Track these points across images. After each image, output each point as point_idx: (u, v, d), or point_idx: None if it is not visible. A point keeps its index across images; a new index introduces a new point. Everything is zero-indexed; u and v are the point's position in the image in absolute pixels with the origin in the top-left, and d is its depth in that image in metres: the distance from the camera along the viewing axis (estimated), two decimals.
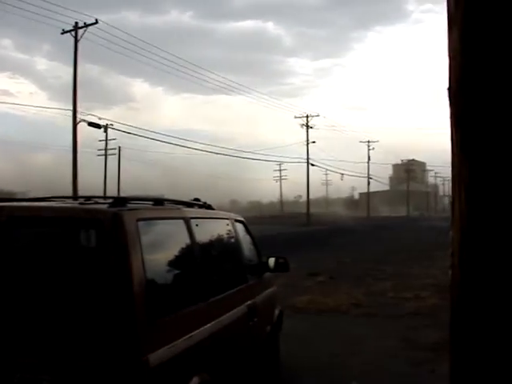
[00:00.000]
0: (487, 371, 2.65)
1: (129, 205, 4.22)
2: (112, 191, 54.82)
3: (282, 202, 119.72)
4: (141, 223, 3.97)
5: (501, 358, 2.63)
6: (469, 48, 2.65)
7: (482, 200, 2.64)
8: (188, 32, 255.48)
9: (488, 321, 2.65)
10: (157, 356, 3.68)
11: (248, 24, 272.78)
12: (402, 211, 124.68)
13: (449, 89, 2.79)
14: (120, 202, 4.17)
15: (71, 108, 38.32)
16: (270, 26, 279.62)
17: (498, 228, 2.63)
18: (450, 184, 2.91)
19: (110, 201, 4.26)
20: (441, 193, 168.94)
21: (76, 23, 38.39)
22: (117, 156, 64.61)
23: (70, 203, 4.90)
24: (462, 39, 2.67)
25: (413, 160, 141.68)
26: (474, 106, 2.65)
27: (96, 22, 38.75)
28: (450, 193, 2.94)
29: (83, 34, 38.29)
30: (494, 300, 2.63)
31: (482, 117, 2.64)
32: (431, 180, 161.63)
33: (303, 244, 32.02)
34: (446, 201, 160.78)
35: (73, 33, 38.20)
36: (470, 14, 2.66)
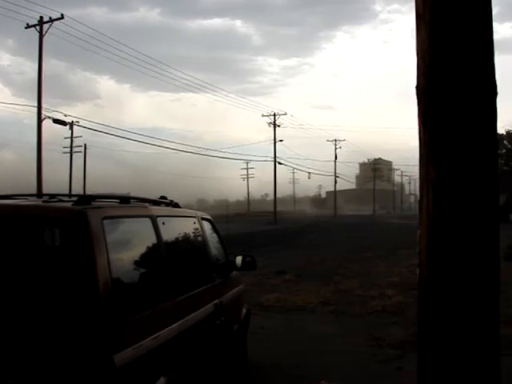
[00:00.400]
0: (454, 366, 2.67)
1: (94, 203, 4.15)
2: (78, 189, 54.13)
3: (249, 201, 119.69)
4: (106, 221, 3.90)
5: (466, 354, 2.65)
6: (437, 48, 2.67)
7: (449, 199, 2.66)
8: (155, 29, 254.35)
9: (454, 317, 2.67)
10: (122, 357, 3.62)
11: (216, 22, 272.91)
12: (368, 210, 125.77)
13: (417, 87, 2.81)
14: (85, 200, 4.10)
15: (36, 104, 37.73)
16: (239, 24, 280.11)
17: (464, 226, 2.65)
18: (416, 183, 2.93)
19: (75, 199, 4.19)
20: (407, 191, 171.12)
21: (41, 18, 37.77)
22: (83, 154, 63.83)
23: (33, 201, 4.79)
24: (430, 39, 2.69)
25: (379, 159, 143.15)
26: (441, 105, 2.67)
27: (62, 17, 38.19)
28: (416, 191, 2.96)
29: (48, 28, 37.70)
30: (460, 297, 2.65)
31: (449, 116, 2.65)
32: (397, 179, 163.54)
33: (270, 242, 32.06)
34: (412, 199, 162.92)
35: (37, 27, 37.57)
36: (438, 15, 2.67)
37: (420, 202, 2.79)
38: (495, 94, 2.72)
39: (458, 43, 2.62)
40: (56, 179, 53.80)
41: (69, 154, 61.82)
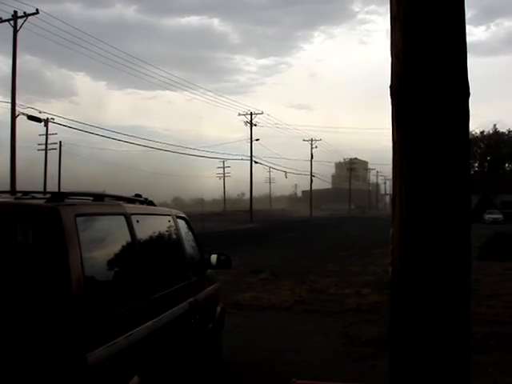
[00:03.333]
0: (425, 363, 2.70)
1: (67, 200, 4.11)
2: (54, 187, 53.56)
3: (225, 200, 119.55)
4: (79, 219, 3.86)
5: (437, 351, 2.67)
6: (410, 48, 2.69)
7: (422, 198, 2.68)
8: (132, 26, 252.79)
9: (425, 315, 2.70)
10: (95, 355, 3.59)
11: (194, 20, 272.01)
12: (344, 209, 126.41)
13: (391, 87, 2.83)
14: (58, 197, 4.06)
15: (9, 100, 37.23)
16: (216, 23, 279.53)
17: (436, 225, 2.67)
18: (391, 185, 2.94)
19: (48, 196, 4.14)
20: (382, 191, 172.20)
21: (15, 12, 37.24)
22: (58, 151, 63.21)
23: (6, 198, 4.72)
24: (404, 40, 2.71)
25: (355, 159, 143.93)
26: (414, 105, 2.69)
27: (37, 12, 37.70)
28: (391, 191, 2.97)
29: (23, 23, 37.19)
30: (432, 295, 2.68)
31: (422, 116, 2.67)
32: (373, 179, 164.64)
33: (246, 241, 32.07)
34: (387, 199, 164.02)
35: (12, 22, 37.06)
36: (412, 16, 2.69)
37: (393, 200, 2.81)
38: (468, 94, 2.75)
39: (432, 44, 2.64)
40: (32, 177, 53.19)
41: (44, 152, 61.24)
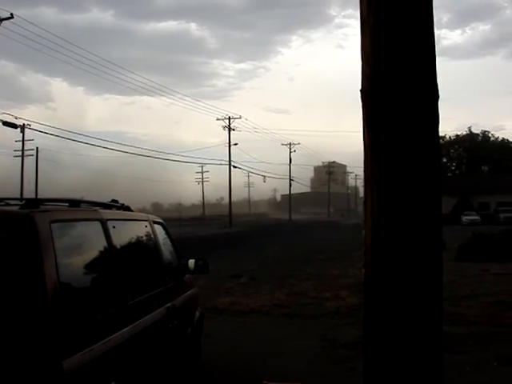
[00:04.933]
0: (398, 365, 2.72)
1: (42, 206, 4.08)
2: (31, 194, 53.05)
3: (204, 204, 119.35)
4: (54, 225, 3.84)
5: (410, 352, 2.70)
6: (380, 52, 2.72)
7: (393, 200, 2.71)
8: (109, 31, 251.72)
9: (398, 317, 2.72)
10: (71, 362, 3.57)
11: (171, 24, 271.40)
12: (323, 212, 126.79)
13: (361, 91, 2.86)
14: (33, 203, 4.04)
15: None
16: (194, 27, 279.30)
17: (407, 227, 2.70)
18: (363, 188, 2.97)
19: (23, 202, 4.11)
20: (361, 194, 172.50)
21: None
22: (34, 157, 62.65)
23: None
24: (373, 43, 2.74)
25: (333, 162, 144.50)
26: (384, 108, 2.72)
27: (11, 17, 37.36)
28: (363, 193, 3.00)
29: None
30: (404, 297, 2.71)
31: (392, 119, 2.70)
32: (352, 182, 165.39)
33: (224, 246, 32.04)
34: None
35: None
36: (381, 20, 2.73)
37: (365, 202, 2.84)
38: (437, 97, 2.79)
39: (401, 48, 2.68)
40: (8, 184, 52.61)
41: (21, 158, 60.65)
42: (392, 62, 2.68)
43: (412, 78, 2.68)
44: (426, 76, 2.72)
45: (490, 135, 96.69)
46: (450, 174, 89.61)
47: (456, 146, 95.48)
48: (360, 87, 2.84)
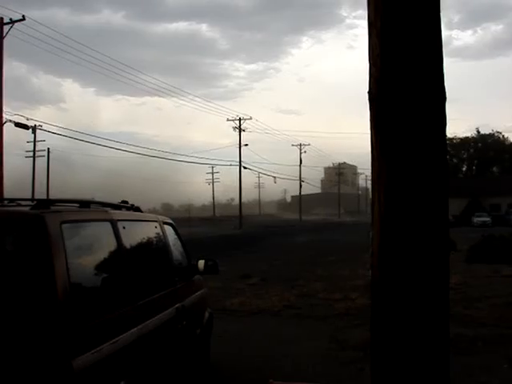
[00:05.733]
0: (405, 366, 2.73)
1: (53, 207, 4.12)
2: (42, 195, 53.29)
3: (214, 205, 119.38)
4: (65, 226, 3.88)
5: (417, 353, 2.71)
6: (387, 54, 2.73)
7: (400, 202, 2.72)
8: (120, 32, 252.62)
9: (405, 318, 2.73)
10: (81, 361, 3.61)
11: (182, 25, 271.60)
12: (333, 214, 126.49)
13: (369, 93, 2.87)
14: (43, 204, 4.07)
15: None
16: (204, 28, 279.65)
17: (415, 229, 2.71)
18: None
19: (34, 203, 4.15)
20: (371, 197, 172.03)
21: (1, 19, 37.06)
22: (46, 158, 62.99)
23: None
24: (381, 45, 2.75)
25: (344, 163, 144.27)
26: (391, 110, 2.73)
27: (23, 19, 37.52)
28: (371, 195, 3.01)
29: (9, 30, 36.96)
30: (411, 298, 2.71)
31: (400, 121, 2.71)
32: (362, 183, 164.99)
33: (234, 247, 32.06)
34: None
35: None
36: (388, 22, 2.74)
37: (372, 205, 2.85)
38: (444, 99, 2.80)
39: (408, 50, 2.69)
40: (20, 185, 52.91)
41: (32, 159, 61.00)
42: (399, 64, 2.69)
43: (419, 80, 2.69)
44: (433, 78, 2.73)
45: (500, 136, 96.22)
46: (461, 176, 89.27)
47: (467, 147, 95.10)
48: (368, 89, 2.86)
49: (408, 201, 2.70)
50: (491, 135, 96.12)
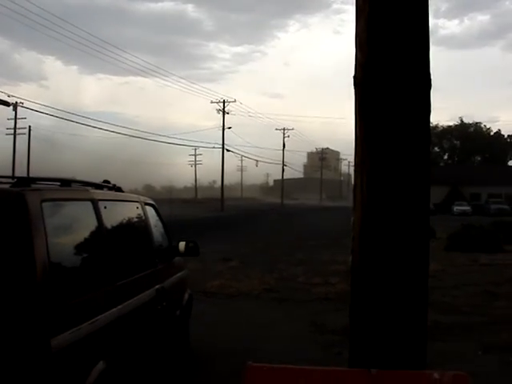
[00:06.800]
0: (381, 350, 2.76)
1: (33, 185, 4.08)
2: (23, 173, 52.75)
3: (196, 187, 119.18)
4: (45, 204, 3.84)
5: (394, 337, 2.73)
6: (374, 39, 2.73)
7: (382, 188, 2.74)
8: (104, 10, 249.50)
9: (384, 302, 2.76)
10: (60, 340, 3.60)
11: (167, 5, 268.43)
12: (315, 199, 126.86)
13: (354, 77, 2.87)
14: (24, 181, 4.03)
15: None
16: (190, 9, 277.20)
17: (396, 215, 2.73)
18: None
19: (14, 181, 4.11)
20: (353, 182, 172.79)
21: None
22: (27, 136, 62.33)
23: None
24: (368, 30, 2.74)
25: (327, 149, 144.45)
26: (376, 96, 2.74)
27: None
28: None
29: None
30: (389, 282, 2.74)
31: (384, 107, 2.72)
32: (345, 169, 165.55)
33: (215, 229, 32.07)
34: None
35: None
36: (376, 7, 2.73)
37: (354, 190, 2.86)
38: (429, 86, 2.81)
39: (395, 36, 2.69)
40: (1, 163, 52.36)
41: (13, 137, 60.32)
42: (385, 49, 2.69)
43: (405, 67, 2.69)
44: (419, 65, 2.74)
45: (482, 126, 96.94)
46: (442, 164, 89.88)
47: (449, 136, 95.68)
48: (353, 74, 2.86)
49: (390, 187, 2.71)
50: (473, 125, 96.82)
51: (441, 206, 60.58)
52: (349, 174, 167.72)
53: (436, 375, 2.49)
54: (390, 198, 2.72)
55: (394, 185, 2.71)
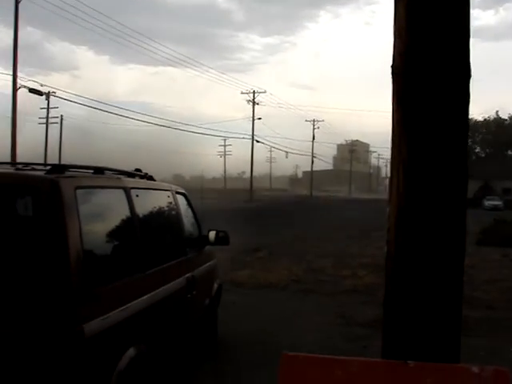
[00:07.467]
0: (416, 343, 2.73)
1: (67, 172, 4.12)
2: (55, 161, 53.20)
3: (225, 178, 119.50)
4: (79, 191, 3.88)
5: (429, 331, 2.70)
6: (414, 26, 2.68)
7: (419, 178, 2.69)
8: (136, 0, 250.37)
9: (419, 294, 2.72)
10: (92, 326, 3.64)
11: None
12: (344, 191, 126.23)
13: (392, 67, 2.82)
14: (58, 169, 4.07)
15: (11, 73, 37.01)
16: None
17: (432, 206, 2.68)
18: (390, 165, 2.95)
19: (48, 168, 4.15)
20: (383, 174, 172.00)
21: None
22: (59, 125, 63.08)
23: (6, 169, 4.73)
24: (407, 17, 2.69)
25: (357, 141, 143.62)
26: (415, 85, 2.69)
27: None
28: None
29: None
30: (425, 275, 2.70)
31: (423, 96, 2.67)
32: (374, 161, 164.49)
33: (244, 220, 32.10)
34: (388, 182, 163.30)
35: None
36: None
37: (390, 180, 2.82)
38: (469, 76, 2.75)
39: (435, 24, 2.64)
40: (32, 150, 53.09)
41: (45, 126, 61.10)
42: (425, 37, 2.64)
43: (445, 55, 2.64)
44: (458, 53, 2.68)
45: None
46: (473, 158, 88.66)
47: (482, 130, 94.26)
48: (391, 63, 2.81)
49: (427, 178, 2.67)
50: (508, 119, 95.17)
51: (472, 200, 59.87)
52: (378, 167, 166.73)
53: (475, 369, 2.45)
54: (426, 190, 2.68)
55: (431, 176, 2.67)
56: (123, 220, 4.67)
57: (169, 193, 6.13)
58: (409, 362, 2.51)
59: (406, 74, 2.72)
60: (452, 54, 2.66)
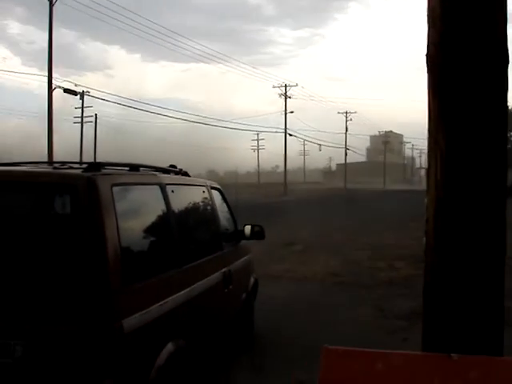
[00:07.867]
0: (457, 335, 2.69)
1: (104, 170, 4.16)
2: (90, 160, 53.86)
3: (259, 172, 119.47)
4: (115, 188, 3.92)
5: (470, 323, 2.66)
6: (448, 14, 2.63)
7: (457, 168, 2.65)
8: None
9: (459, 285, 2.68)
10: (131, 322, 3.67)
11: None
12: (378, 182, 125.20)
13: (427, 56, 2.78)
14: (94, 167, 4.11)
15: (46, 74, 37.57)
16: None
17: (471, 196, 2.64)
18: (426, 156, 2.91)
19: (85, 166, 4.20)
20: (417, 165, 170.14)
21: None
22: (93, 124, 63.83)
23: (43, 168, 4.81)
24: (441, 5, 2.65)
25: (390, 132, 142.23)
26: (451, 74, 2.64)
27: None
28: (426, 165, 2.93)
29: None
30: (465, 265, 2.66)
31: (460, 85, 2.62)
32: (408, 152, 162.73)
33: (279, 214, 32.04)
34: (422, 173, 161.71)
35: None
36: None
37: (428, 171, 2.78)
38: (507, 62, 2.69)
39: (470, 10, 2.58)
40: (68, 150, 53.89)
41: (79, 124, 61.91)
42: (461, 26, 2.59)
43: (482, 43, 2.58)
44: (496, 40, 2.62)
45: None
46: (510, 146, 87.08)
47: None
48: (426, 52, 2.77)
49: (466, 168, 2.62)
50: None
51: (510, 190, 58.74)
52: (412, 158, 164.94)
53: None
54: (465, 180, 2.63)
55: (469, 166, 2.62)
56: (159, 216, 4.70)
57: (204, 188, 6.16)
58: (452, 354, 2.47)
59: (441, 63, 2.67)
60: (489, 41, 2.61)
